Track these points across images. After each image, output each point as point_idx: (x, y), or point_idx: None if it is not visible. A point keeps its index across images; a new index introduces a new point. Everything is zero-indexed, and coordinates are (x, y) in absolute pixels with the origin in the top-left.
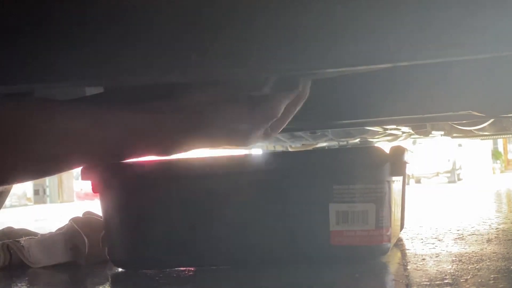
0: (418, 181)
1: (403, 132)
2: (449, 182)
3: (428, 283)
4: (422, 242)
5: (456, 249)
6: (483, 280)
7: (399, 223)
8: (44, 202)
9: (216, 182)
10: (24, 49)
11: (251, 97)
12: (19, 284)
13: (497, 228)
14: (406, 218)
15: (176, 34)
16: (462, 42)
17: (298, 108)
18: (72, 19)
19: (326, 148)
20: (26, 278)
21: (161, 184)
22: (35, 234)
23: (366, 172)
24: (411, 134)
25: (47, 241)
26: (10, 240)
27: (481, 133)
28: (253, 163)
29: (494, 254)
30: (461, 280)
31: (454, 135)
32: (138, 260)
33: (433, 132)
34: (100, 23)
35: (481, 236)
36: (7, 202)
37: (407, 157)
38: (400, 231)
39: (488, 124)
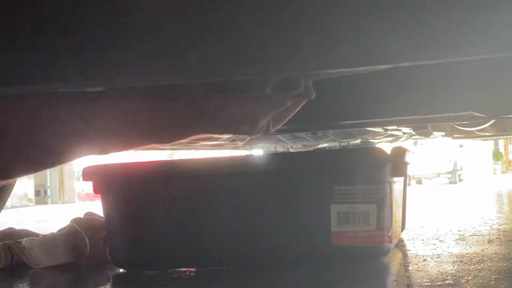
0: (419, 181)
1: (404, 133)
2: (450, 183)
3: (429, 283)
4: (423, 243)
5: (457, 249)
6: (484, 281)
7: (400, 223)
8: (45, 202)
9: (218, 182)
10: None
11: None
12: (20, 285)
13: (498, 229)
14: (407, 219)
15: (176, 34)
16: (464, 43)
17: (300, 106)
18: (74, 20)
19: (327, 149)
20: (27, 279)
21: (162, 184)
22: (36, 235)
23: (367, 173)
24: (412, 135)
25: (48, 242)
26: (12, 241)
27: (482, 134)
28: (255, 164)
29: (495, 255)
30: (462, 281)
31: (455, 136)
32: (140, 261)
33: (434, 132)
34: (100, 23)
35: (482, 237)
36: (8, 202)
37: (408, 158)
38: (401, 231)
39: (489, 125)
